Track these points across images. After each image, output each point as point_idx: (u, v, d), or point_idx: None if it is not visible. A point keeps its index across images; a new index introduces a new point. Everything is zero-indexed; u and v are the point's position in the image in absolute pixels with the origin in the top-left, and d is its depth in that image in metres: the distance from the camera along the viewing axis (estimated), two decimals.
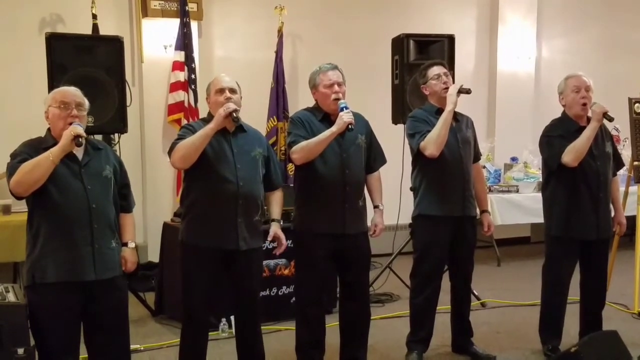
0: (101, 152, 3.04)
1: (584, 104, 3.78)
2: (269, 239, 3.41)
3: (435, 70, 3.80)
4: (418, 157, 3.77)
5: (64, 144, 2.77)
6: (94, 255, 2.88)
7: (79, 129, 2.80)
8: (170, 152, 3.24)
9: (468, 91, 3.71)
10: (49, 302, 2.84)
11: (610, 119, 3.76)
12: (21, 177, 2.75)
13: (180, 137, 3.21)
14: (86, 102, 3.00)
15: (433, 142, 3.60)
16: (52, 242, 2.84)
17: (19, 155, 2.84)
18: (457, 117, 3.79)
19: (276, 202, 3.49)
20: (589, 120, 3.78)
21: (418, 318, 3.87)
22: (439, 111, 3.70)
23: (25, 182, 2.75)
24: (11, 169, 2.80)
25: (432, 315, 3.88)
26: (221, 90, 3.26)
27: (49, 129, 2.96)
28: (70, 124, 2.84)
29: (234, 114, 3.18)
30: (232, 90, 3.28)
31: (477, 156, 3.97)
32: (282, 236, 3.43)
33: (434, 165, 3.68)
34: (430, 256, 3.79)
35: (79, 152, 2.92)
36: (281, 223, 3.48)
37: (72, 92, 2.97)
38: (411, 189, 5.19)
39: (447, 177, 3.73)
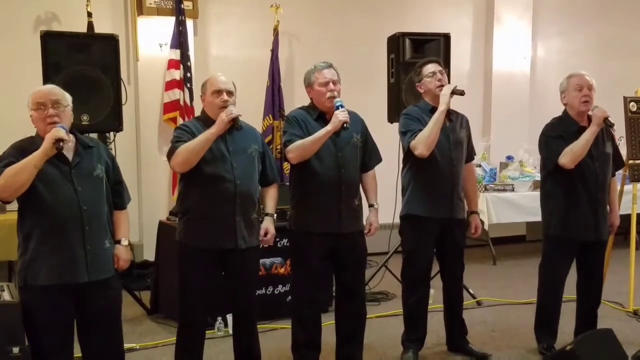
0: (92, 151, 2.99)
1: (586, 102, 3.75)
2: (262, 232, 3.39)
3: (430, 67, 3.78)
4: (408, 155, 3.75)
5: (45, 148, 2.71)
6: (87, 257, 2.85)
7: (61, 133, 2.72)
8: (169, 156, 3.22)
9: (462, 93, 3.67)
10: (41, 303, 2.82)
11: (611, 125, 3.72)
12: (5, 182, 2.71)
13: (178, 139, 3.19)
14: (66, 97, 2.91)
15: (423, 142, 3.57)
16: (44, 244, 2.81)
17: (6, 158, 2.79)
18: (451, 116, 3.77)
19: (271, 197, 3.49)
20: (589, 119, 3.75)
21: (411, 317, 3.87)
22: (433, 110, 3.67)
23: (9, 186, 2.72)
24: None
25: (425, 314, 3.88)
26: (218, 92, 3.24)
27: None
28: (53, 124, 2.77)
29: (237, 122, 3.18)
30: (230, 93, 3.26)
31: (470, 155, 3.93)
32: (272, 231, 3.42)
33: (423, 165, 3.66)
34: (418, 256, 3.80)
35: (69, 153, 2.87)
36: (274, 217, 3.48)
37: (46, 91, 2.88)
38: None
39: (436, 178, 3.70)
